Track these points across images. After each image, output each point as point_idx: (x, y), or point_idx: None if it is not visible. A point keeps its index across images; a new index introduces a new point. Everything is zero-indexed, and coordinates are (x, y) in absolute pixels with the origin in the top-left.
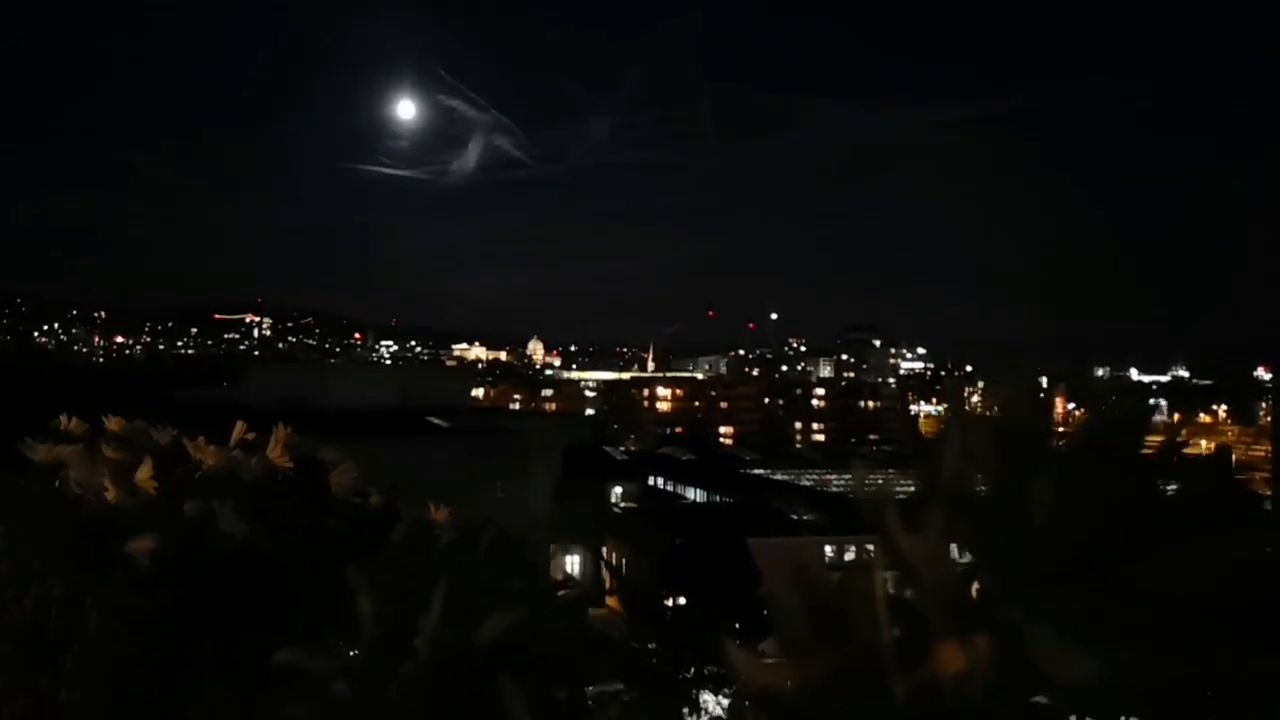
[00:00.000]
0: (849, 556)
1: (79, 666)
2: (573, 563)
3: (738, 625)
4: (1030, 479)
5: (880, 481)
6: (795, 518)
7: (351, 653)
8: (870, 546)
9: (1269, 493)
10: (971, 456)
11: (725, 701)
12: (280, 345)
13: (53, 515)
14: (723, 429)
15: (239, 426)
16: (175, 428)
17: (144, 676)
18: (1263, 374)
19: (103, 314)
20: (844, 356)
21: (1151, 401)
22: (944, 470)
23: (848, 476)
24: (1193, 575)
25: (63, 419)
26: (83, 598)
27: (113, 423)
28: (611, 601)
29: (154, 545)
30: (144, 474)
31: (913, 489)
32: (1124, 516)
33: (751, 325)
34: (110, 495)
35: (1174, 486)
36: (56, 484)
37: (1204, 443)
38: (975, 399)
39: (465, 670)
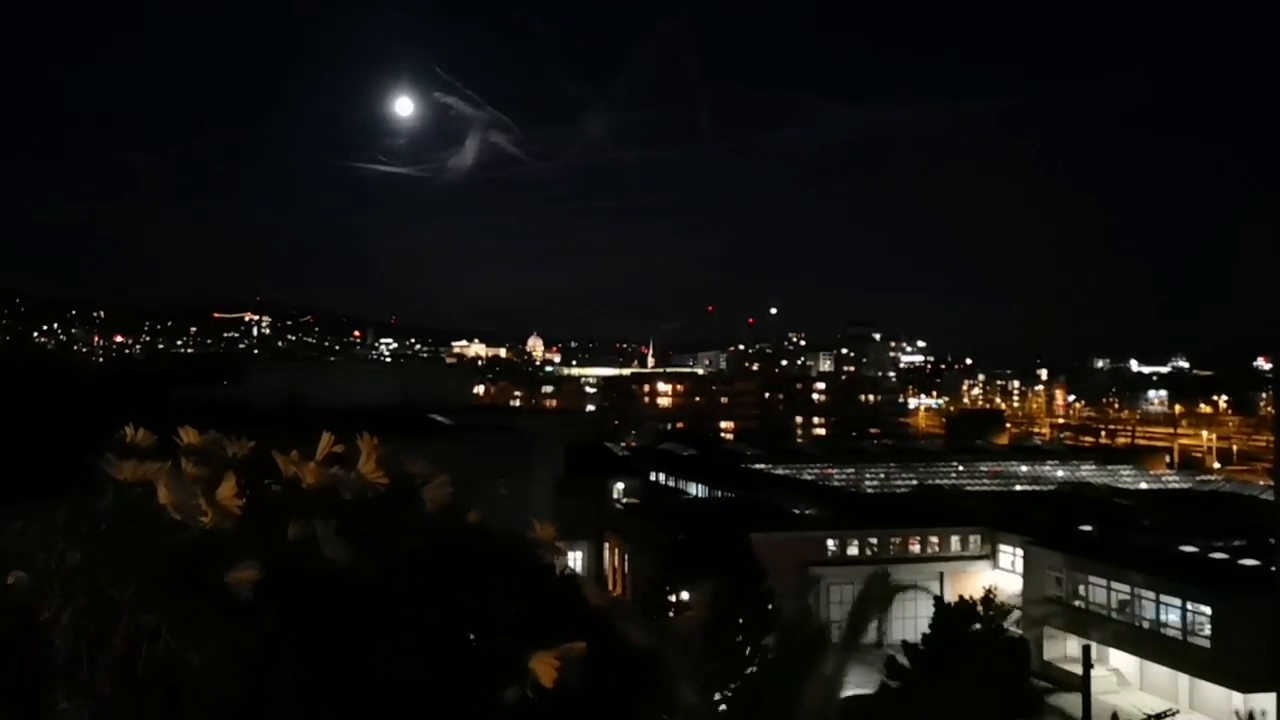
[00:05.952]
0: (851, 550)
1: (183, 706)
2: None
3: (740, 620)
4: None
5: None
6: (797, 512)
7: None
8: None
9: (1270, 481)
10: None
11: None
12: (280, 343)
13: (140, 540)
14: (723, 424)
15: (326, 439)
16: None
17: (255, 713)
18: (1263, 365)
19: (102, 314)
20: (844, 351)
21: (1151, 393)
22: None
23: (849, 471)
24: None
25: (129, 431)
26: (180, 631)
27: (189, 434)
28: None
29: (257, 575)
30: (226, 491)
31: None
32: None
33: (751, 320)
34: (207, 519)
35: None
36: (132, 504)
37: (1205, 433)
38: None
39: None
